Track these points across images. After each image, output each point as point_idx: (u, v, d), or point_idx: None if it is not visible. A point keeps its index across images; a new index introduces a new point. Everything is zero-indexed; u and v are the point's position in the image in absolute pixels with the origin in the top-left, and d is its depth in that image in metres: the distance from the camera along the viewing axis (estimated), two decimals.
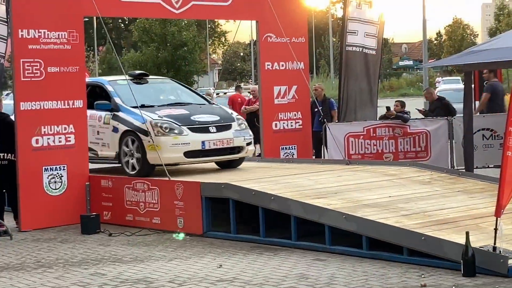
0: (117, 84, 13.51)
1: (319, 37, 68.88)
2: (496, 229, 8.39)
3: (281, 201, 10.36)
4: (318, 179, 11.99)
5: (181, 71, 28.09)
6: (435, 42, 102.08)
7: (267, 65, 14.99)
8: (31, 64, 12.33)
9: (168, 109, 12.84)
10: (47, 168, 12.53)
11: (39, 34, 12.38)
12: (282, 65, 15.03)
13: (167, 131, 12.12)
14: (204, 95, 15.35)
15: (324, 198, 10.23)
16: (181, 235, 10.80)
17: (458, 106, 16.84)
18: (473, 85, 18.17)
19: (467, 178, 12.16)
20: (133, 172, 12.45)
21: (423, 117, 17.37)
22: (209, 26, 48.67)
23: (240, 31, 17.44)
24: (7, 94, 33.39)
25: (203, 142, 12.21)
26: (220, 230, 11.23)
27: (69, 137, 12.75)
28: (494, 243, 8.37)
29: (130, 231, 11.90)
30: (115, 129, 12.77)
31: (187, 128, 12.28)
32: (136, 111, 12.37)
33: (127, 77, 13.56)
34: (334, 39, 59.66)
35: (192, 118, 12.54)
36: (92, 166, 13.59)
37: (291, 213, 10.22)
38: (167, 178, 11.87)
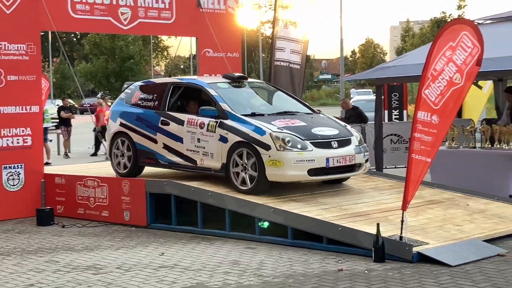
0: (219, 88, 11.06)
1: (250, 53, 69.00)
2: (402, 221, 8.60)
3: (217, 197, 10.38)
4: None
5: (128, 80, 27.96)
6: (350, 59, 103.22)
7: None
8: None
9: (283, 120, 10.48)
10: (6, 166, 12.40)
11: (0, 46, 12.21)
12: None
13: (290, 145, 9.83)
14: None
15: (254, 195, 10.26)
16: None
17: (370, 115, 17.20)
18: (383, 97, 18.54)
19: (378, 177, 12.33)
20: (245, 188, 10.17)
21: None
22: (153, 41, 48.41)
23: (181, 46, 17.37)
24: None
25: (327, 159, 9.93)
26: (162, 222, 11.20)
27: (26, 139, 12.64)
28: (401, 233, 8.56)
29: (81, 223, 11.83)
30: (223, 139, 10.35)
31: (311, 143, 10.00)
32: (250, 120, 10.24)
33: (226, 80, 11.51)
34: (263, 55, 59.74)
35: (312, 131, 10.27)
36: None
37: (226, 207, 10.25)
38: (115, 176, 11.84)
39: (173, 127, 10.99)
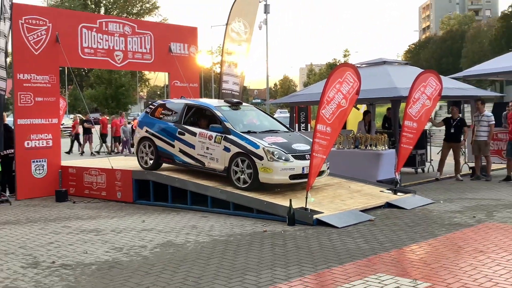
0: (222, 110, 10.43)
1: (205, 84, 68.59)
2: (306, 198, 8.67)
3: (182, 182, 10.29)
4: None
5: (120, 102, 27.62)
6: (274, 89, 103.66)
7: None
8: (25, 95, 11.93)
9: (270, 137, 9.90)
10: (34, 160, 12.10)
11: (30, 76, 11.95)
12: None
13: (277, 157, 9.37)
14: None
15: (207, 180, 10.20)
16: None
17: None
18: (294, 114, 18.67)
19: None
20: (244, 186, 9.59)
21: None
22: (138, 75, 47.81)
23: (158, 78, 17.14)
24: (8, 115, 31.74)
25: (303, 168, 9.42)
26: (144, 199, 11.03)
27: (49, 141, 12.36)
28: (305, 206, 8.64)
29: (86, 200, 11.62)
30: (226, 149, 9.79)
31: (292, 156, 9.53)
32: (247, 137, 9.71)
33: (227, 104, 10.89)
34: (215, 86, 59.73)
35: (292, 146, 9.75)
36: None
37: (188, 189, 10.18)
38: (110, 167, 11.64)
39: (187, 137, 10.45)
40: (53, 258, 6.75)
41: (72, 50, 12.55)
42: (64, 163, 13.02)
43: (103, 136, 25.14)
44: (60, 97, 14.03)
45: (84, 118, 25.44)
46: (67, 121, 49.29)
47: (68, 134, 31.85)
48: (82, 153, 24.17)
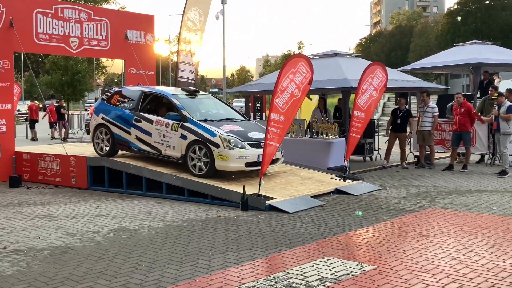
0: (179, 98, 10.23)
1: (163, 73, 67.66)
2: (260, 184, 8.69)
3: (137, 168, 10.13)
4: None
5: (77, 89, 26.85)
6: (231, 78, 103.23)
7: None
8: None
9: (227, 125, 9.81)
10: None
11: None
12: None
13: (233, 145, 9.28)
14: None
15: (162, 167, 10.09)
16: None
17: None
18: (250, 104, 18.64)
19: None
20: (200, 173, 9.46)
21: None
22: (95, 62, 46.75)
23: (114, 65, 16.79)
24: None
25: (258, 156, 9.25)
26: (98, 185, 10.81)
27: (2, 127, 11.93)
28: (258, 192, 8.66)
29: (41, 186, 11.32)
30: (183, 136, 9.62)
31: (248, 144, 9.44)
32: (204, 125, 9.58)
33: (184, 92, 10.67)
34: (172, 74, 59.03)
35: (248, 135, 9.67)
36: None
37: (143, 175, 10.03)
38: (65, 153, 11.34)
39: (144, 124, 10.22)
40: (4, 244, 6.53)
41: (26, 36, 12.11)
42: (18, 148, 12.61)
43: (32, 123, 25.02)
44: (14, 83, 13.54)
45: (59, 105, 24.71)
46: (23, 107, 47.85)
47: (24, 119, 30.86)
48: (52, 138, 23.66)
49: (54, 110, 24.12)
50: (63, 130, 23.92)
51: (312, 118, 13.76)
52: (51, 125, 24.41)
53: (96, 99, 24.13)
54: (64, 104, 23.99)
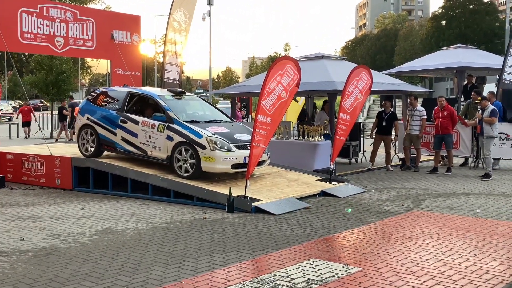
0: (166, 99, 10.14)
1: (149, 73, 67.32)
2: (246, 186, 8.69)
3: (122, 169, 10.07)
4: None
5: (61, 89, 26.52)
6: (216, 80, 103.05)
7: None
8: None
9: (213, 127, 9.73)
10: None
11: None
12: None
13: (220, 147, 9.23)
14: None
15: (148, 168, 10.04)
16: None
17: None
18: (236, 105, 18.59)
19: None
20: (186, 175, 9.40)
21: None
22: (80, 62, 46.36)
23: (99, 65, 16.67)
24: None
25: (244, 158, 9.20)
26: (83, 186, 10.73)
27: None
28: (245, 194, 8.66)
29: (24, 186, 11.20)
30: (169, 138, 9.55)
31: (234, 145, 9.40)
32: (190, 126, 9.51)
33: (170, 93, 10.56)
34: (158, 75, 58.71)
35: (235, 136, 9.62)
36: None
37: (128, 176, 9.98)
38: (49, 154, 11.23)
39: (130, 125, 10.13)
40: None
41: (11, 35, 11.99)
42: (1, 149, 12.47)
43: (25, 124, 25.60)
44: None
45: (61, 105, 24.50)
46: (6, 106, 47.31)
47: (7, 119, 30.65)
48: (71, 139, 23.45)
49: (25, 110, 25.07)
50: (68, 131, 23.61)
51: (318, 121, 13.73)
52: (24, 125, 25.19)
53: (69, 102, 24.08)
54: (66, 105, 23.82)
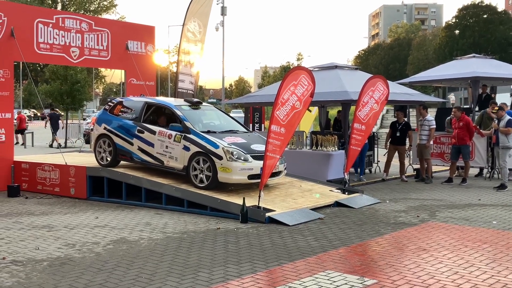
0: (182, 109, 10.13)
1: (162, 83, 67.75)
2: (259, 196, 8.66)
3: (137, 179, 10.10)
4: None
5: (76, 99, 26.80)
6: (229, 89, 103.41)
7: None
8: None
9: (230, 137, 9.67)
10: None
11: None
12: None
13: (236, 157, 9.18)
14: None
15: (161, 178, 10.06)
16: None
17: None
18: (249, 114, 18.65)
19: None
20: (202, 185, 9.37)
21: None
22: (95, 71, 46.83)
23: (114, 75, 16.78)
24: None
25: (261, 168, 8.95)
26: (97, 195, 10.78)
27: (1, 136, 11.94)
28: (258, 204, 8.63)
29: (39, 195, 11.26)
30: (186, 148, 9.54)
31: (251, 156, 9.32)
32: (207, 136, 9.49)
33: (187, 103, 10.58)
34: (171, 84, 59.07)
35: (251, 147, 9.54)
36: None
37: (142, 186, 10.01)
38: (64, 163, 11.30)
39: (146, 135, 10.15)
40: (3, 254, 6.49)
41: (27, 45, 12.14)
42: (17, 158, 12.57)
43: (19, 131, 25.86)
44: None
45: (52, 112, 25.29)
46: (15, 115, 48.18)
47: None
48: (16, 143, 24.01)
49: (21, 118, 25.96)
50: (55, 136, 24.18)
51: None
52: (17, 132, 25.57)
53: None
54: (62, 113, 24.34)
